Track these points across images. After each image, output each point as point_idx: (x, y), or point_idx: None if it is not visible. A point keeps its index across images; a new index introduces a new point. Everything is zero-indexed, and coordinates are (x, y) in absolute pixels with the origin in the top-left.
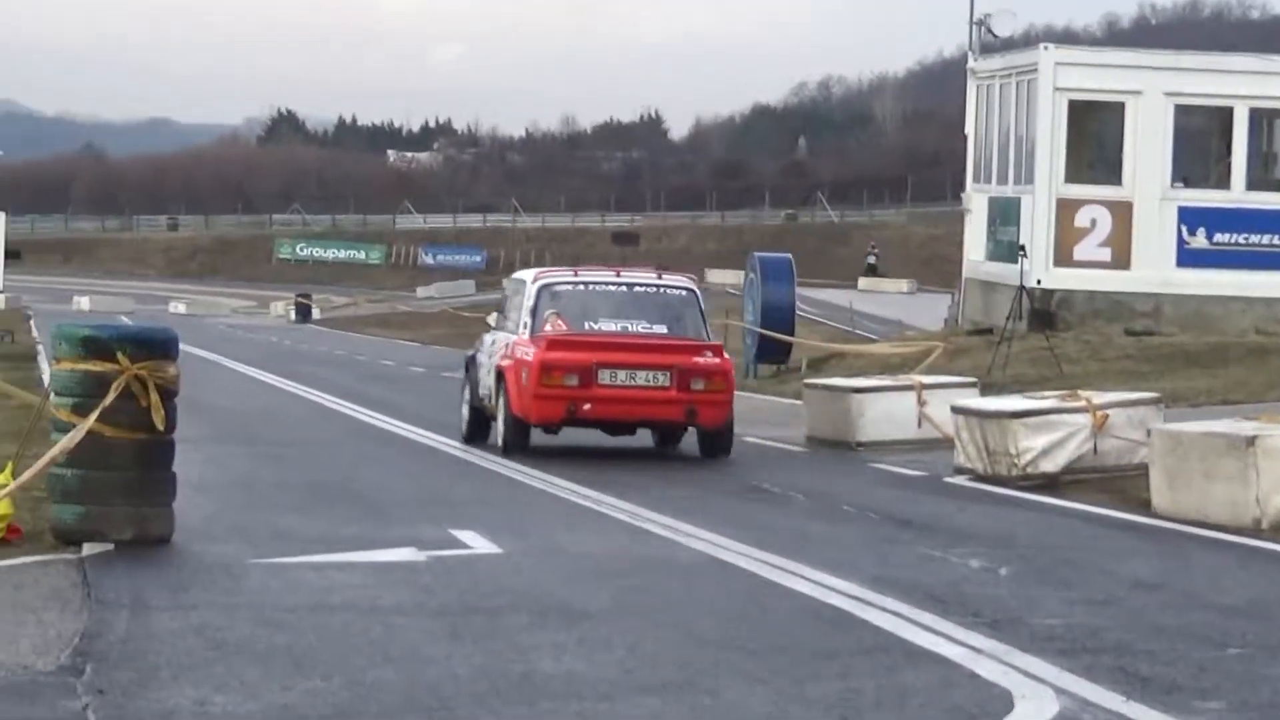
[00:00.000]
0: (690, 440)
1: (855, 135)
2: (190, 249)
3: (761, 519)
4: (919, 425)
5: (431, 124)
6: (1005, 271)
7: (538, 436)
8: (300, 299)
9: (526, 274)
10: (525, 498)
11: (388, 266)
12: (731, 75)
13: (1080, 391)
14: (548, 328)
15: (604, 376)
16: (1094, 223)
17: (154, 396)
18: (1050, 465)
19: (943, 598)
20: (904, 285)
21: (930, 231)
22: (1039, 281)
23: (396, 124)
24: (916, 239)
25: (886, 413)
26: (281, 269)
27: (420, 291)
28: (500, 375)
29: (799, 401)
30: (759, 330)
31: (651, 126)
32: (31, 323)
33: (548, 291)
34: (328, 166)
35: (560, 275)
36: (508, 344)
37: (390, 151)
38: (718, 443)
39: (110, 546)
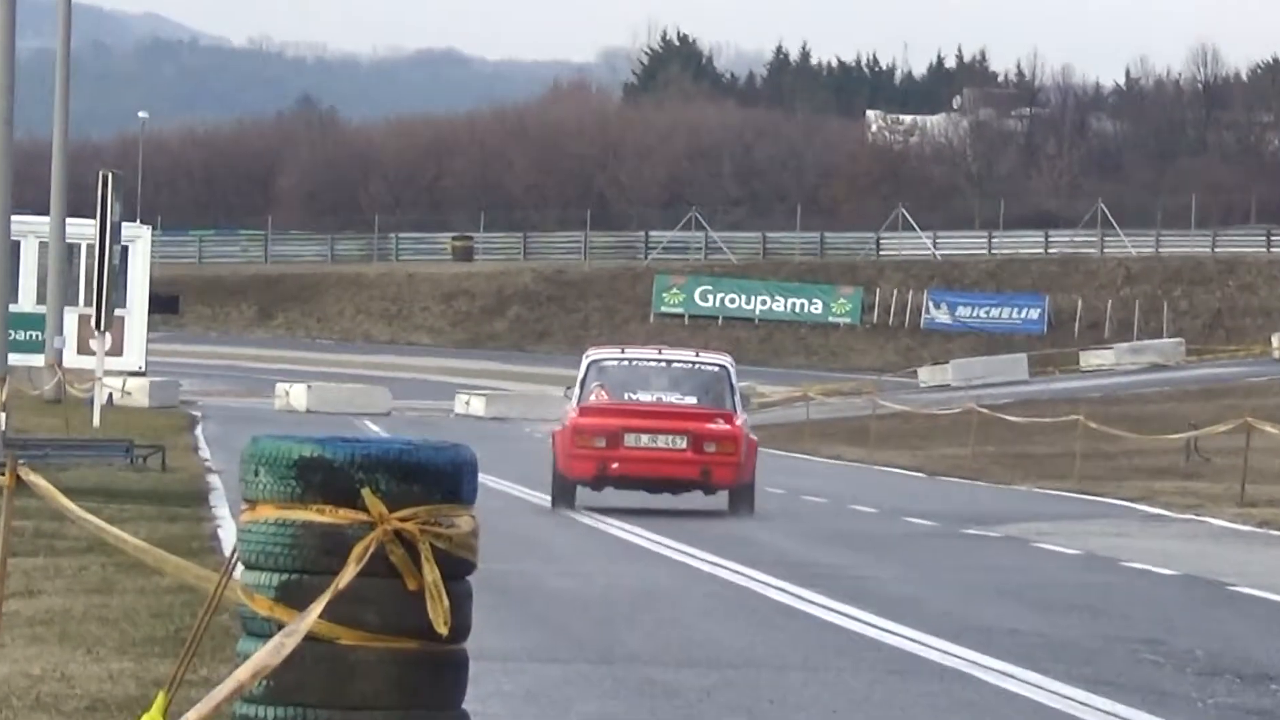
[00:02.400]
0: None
1: None
2: (494, 294)
3: None
4: None
5: (947, 63)
6: None
7: None
8: None
9: (589, 352)
10: None
11: (864, 328)
12: None
13: None
14: (592, 398)
15: (629, 440)
16: None
17: (430, 573)
18: None
19: None
20: None
21: None
22: None
23: (880, 63)
24: None
25: None
26: (666, 329)
27: (924, 375)
28: (552, 440)
29: None
30: None
31: None
32: (199, 431)
33: (596, 366)
34: (754, 141)
35: (609, 352)
36: (563, 414)
37: (871, 113)
38: (739, 502)
39: None
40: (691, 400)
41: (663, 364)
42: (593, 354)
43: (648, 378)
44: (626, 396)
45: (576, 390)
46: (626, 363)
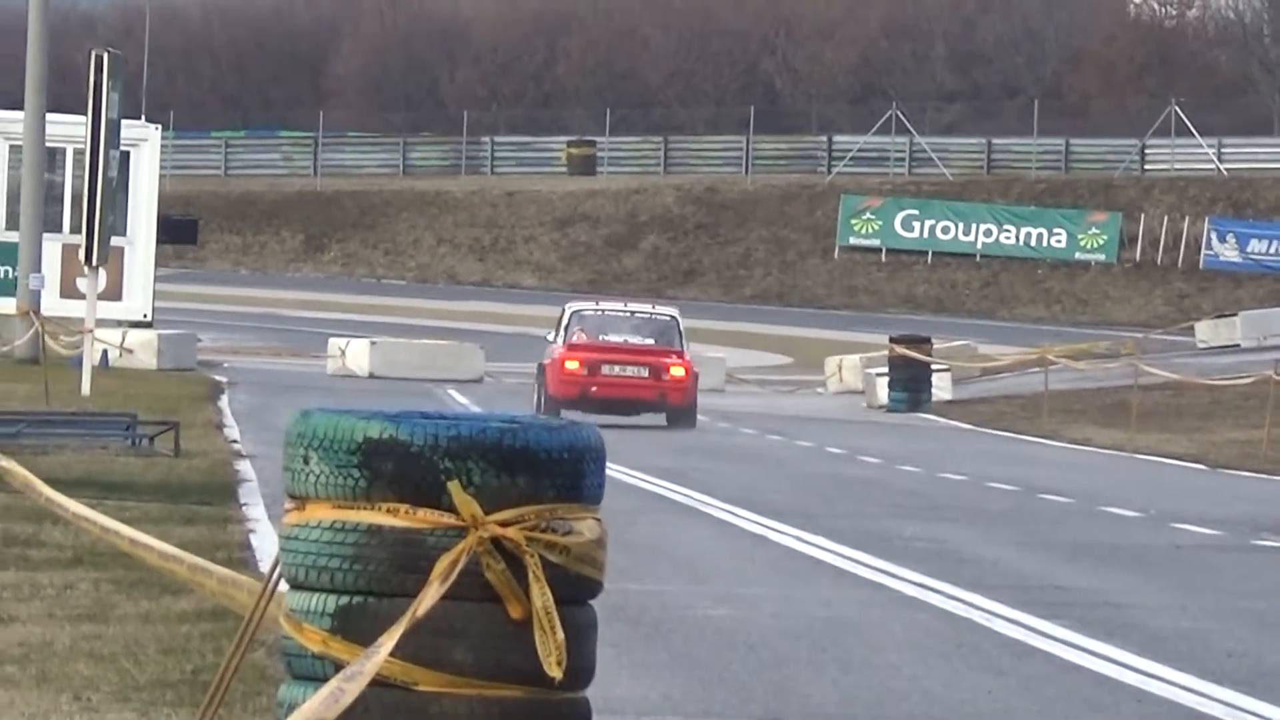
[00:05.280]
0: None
1: None
2: (625, 219)
3: None
4: None
5: None
6: None
7: None
8: (909, 347)
9: (570, 305)
10: None
11: (1123, 268)
12: None
13: None
14: (574, 338)
15: (605, 369)
16: None
17: (541, 596)
18: None
19: None
20: None
21: None
22: None
23: None
24: None
25: None
26: (855, 268)
27: (1203, 332)
28: (541, 370)
29: None
30: None
31: None
32: (224, 402)
33: (577, 315)
34: (976, 14)
35: (586, 304)
36: (550, 351)
37: None
38: (682, 419)
39: None
40: (650, 341)
41: (627, 313)
42: (573, 305)
43: (616, 324)
44: (601, 338)
45: (561, 334)
46: (600, 312)
